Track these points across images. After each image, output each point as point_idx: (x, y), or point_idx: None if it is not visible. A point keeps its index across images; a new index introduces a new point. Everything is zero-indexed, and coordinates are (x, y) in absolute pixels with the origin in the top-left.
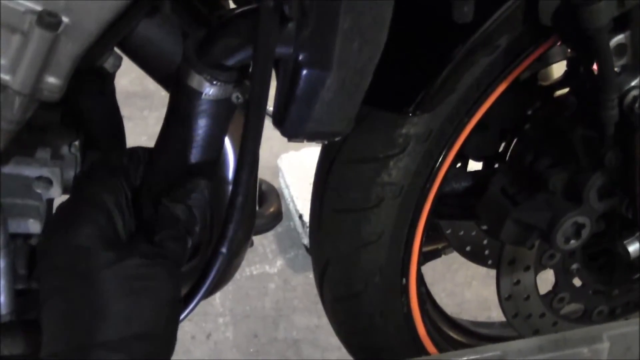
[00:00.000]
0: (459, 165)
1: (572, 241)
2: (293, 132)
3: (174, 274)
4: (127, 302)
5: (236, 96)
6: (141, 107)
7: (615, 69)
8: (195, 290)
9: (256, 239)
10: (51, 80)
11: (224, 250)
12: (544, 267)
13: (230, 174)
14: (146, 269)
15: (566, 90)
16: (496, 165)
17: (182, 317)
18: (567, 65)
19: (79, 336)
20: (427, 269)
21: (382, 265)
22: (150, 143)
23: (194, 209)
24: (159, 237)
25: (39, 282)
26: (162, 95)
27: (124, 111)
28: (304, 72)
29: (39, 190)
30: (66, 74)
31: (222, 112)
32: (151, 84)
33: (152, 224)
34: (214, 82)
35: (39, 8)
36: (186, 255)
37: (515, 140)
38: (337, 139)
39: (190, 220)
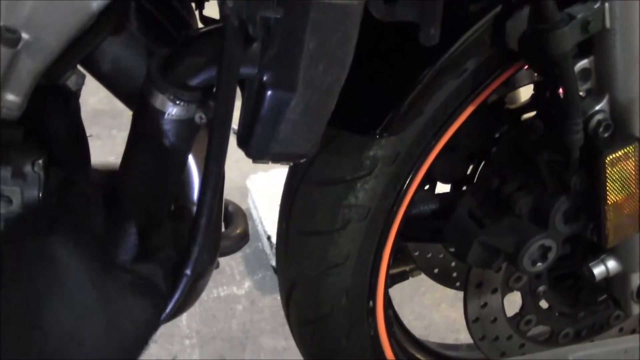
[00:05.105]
0: (427, 187)
1: (539, 264)
2: (257, 153)
3: (159, 301)
4: (105, 322)
5: (199, 116)
6: (109, 126)
7: (580, 94)
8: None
9: (224, 260)
10: (10, 97)
11: (188, 271)
12: (511, 290)
13: (195, 194)
14: (133, 289)
15: (533, 113)
16: (464, 188)
17: None
18: (534, 89)
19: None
20: (395, 291)
21: (348, 287)
22: (118, 162)
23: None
24: (148, 265)
25: None
26: (130, 115)
27: (92, 130)
28: (269, 92)
29: None
30: (26, 92)
31: (185, 132)
32: (120, 103)
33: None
34: (177, 102)
35: None
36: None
37: (482, 163)
38: (302, 160)
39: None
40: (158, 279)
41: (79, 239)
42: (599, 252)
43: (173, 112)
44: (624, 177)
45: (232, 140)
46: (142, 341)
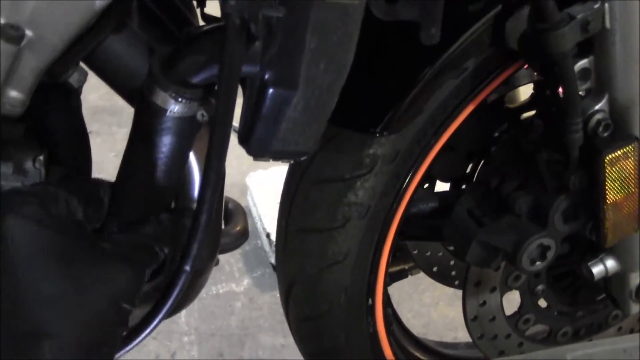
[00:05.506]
0: (426, 186)
1: (538, 263)
2: (258, 150)
3: (135, 275)
4: (77, 287)
5: (201, 114)
6: (110, 122)
7: (580, 93)
8: (158, 308)
9: (223, 257)
10: (13, 94)
11: (187, 268)
12: (510, 289)
13: (196, 191)
14: (102, 263)
15: (533, 112)
16: (463, 187)
17: (144, 335)
18: (534, 89)
19: (24, 324)
20: (393, 289)
21: (347, 285)
22: (119, 159)
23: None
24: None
25: None
26: (131, 111)
27: (93, 126)
28: (270, 91)
29: None
30: (29, 88)
31: (187, 130)
32: (120, 100)
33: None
34: (179, 100)
35: (1, 21)
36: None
37: (482, 162)
38: (302, 158)
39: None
40: (137, 250)
41: (46, 221)
42: (597, 251)
43: (175, 110)
44: (623, 177)
45: (232, 138)
46: (119, 310)
